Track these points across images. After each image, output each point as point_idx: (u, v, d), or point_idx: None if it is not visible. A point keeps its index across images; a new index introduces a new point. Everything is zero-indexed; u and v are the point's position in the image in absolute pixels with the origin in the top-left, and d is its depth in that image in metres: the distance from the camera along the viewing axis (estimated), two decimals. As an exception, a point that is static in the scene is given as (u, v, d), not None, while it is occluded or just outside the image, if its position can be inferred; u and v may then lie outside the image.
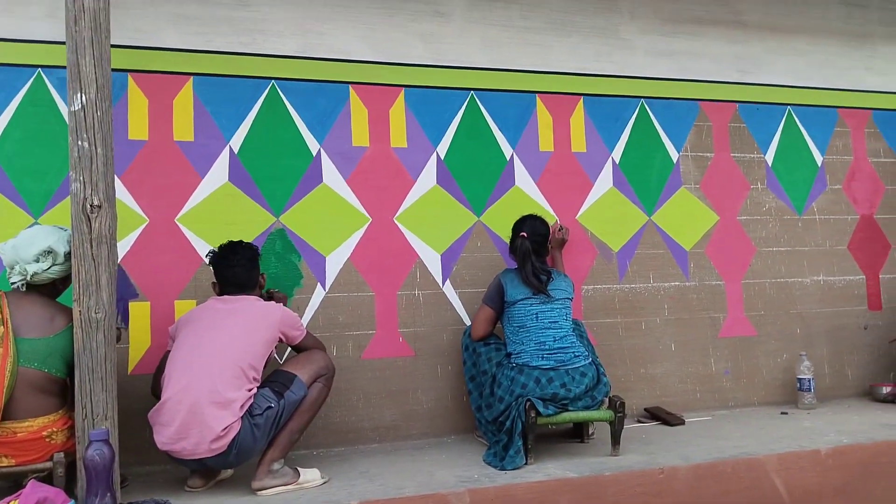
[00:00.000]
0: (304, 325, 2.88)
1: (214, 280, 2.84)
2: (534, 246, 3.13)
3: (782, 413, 3.68)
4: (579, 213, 3.72)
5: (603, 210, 3.76)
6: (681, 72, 3.95)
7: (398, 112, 3.48)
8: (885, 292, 4.17)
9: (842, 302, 4.10)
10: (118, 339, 2.77)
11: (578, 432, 3.24)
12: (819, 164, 4.14)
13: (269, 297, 3.04)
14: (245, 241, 2.91)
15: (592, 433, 3.24)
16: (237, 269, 2.79)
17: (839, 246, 4.13)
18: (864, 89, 4.28)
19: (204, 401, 2.48)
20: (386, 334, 3.36)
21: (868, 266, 4.18)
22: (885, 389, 3.88)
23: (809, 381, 3.78)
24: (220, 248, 2.85)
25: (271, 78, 3.35)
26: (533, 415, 2.81)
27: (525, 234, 3.14)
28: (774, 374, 3.94)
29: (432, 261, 3.46)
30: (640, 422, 3.57)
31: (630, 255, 3.78)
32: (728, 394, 3.85)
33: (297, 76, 3.37)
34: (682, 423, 3.51)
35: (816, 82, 4.18)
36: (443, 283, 3.47)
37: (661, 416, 3.55)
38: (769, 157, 4.06)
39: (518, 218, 3.25)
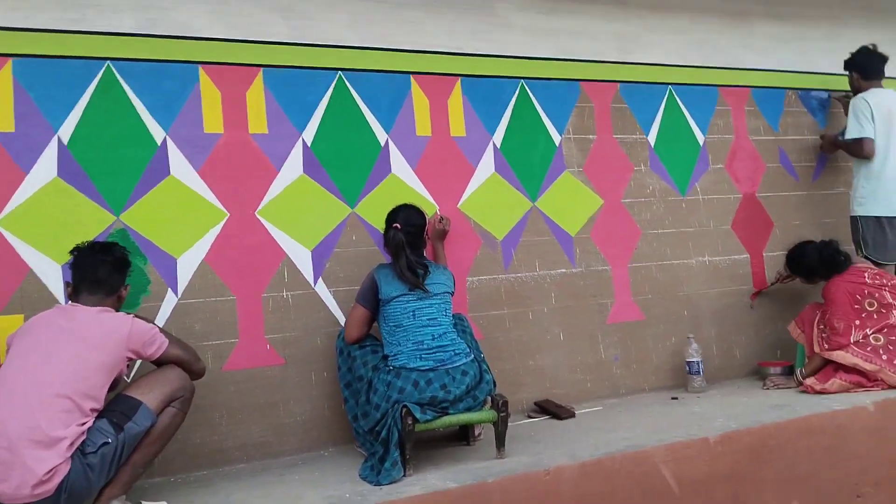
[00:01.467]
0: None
1: (69, 280, 2.49)
2: (408, 238, 2.89)
3: (673, 398, 3.61)
4: (461, 200, 3.51)
5: (485, 197, 3.56)
6: (561, 51, 3.80)
7: (256, 95, 3.16)
8: (769, 270, 4.18)
9: (727, 282, 4.08)
10: None
11: (465, 434, 3.03)
12: (701, 144, 4.10)
13: None
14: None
15: (479, 434, 3.05)
16: (104, 266, 2.45)
17: (723, 225, 4.11)
18: (742, 67, 4.26)
19: (23, 439, 2.12)
20: (250, 342, 3.04)
21: (752, 245, 4.18)
22: (773, 370, 3.88)
23: (698, 363, 3.72)
24: (90, 243, 2.52)
25: (106, 58, 2.95)
26: (410, 422, 2.58)
27: (398, 226, 2.90)
28: (664, 358, 3.87)
29: (302, 258, 3.16)
30: (529, 417, 3.41)
31: (515, 243, 3.60)
32: (619, 381, 3.75)
33: (137, 56, 2.99)
34: (573, 415, 3.37)
35: (696, 61, 4.13)
36: (314, 282, 3.18)
37: (551, 410, 3.40)
38: (651, 137, 3.98)
39: (392, 208, 3.01)
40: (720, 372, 3.99)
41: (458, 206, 3.50)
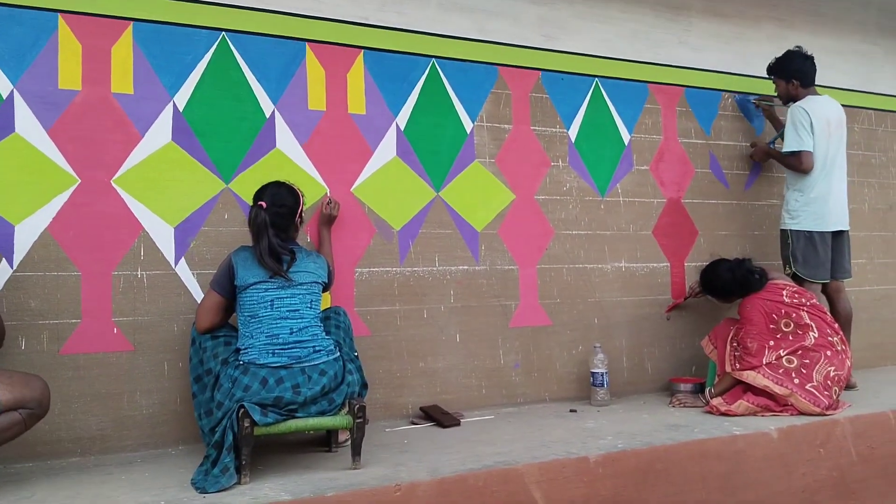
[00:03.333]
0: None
1: None
2: (274, 218, 2.60)
3: (571, 411, 3.38)
4: (355, 184, 3.23)
5: (384, 182, 3.28)
6: (479, 31, 3.53)
7: (123, 50, 2.84)
8: (690, 281, 3.96)
9: (644, 290, 3.85)
10: None
11: (329, 439, 2.76)
12: (626, 143, 3.86)
13: None
14: None
15: (346, 440, 2.76)
16: None
17: (643, 231, 3.87)
18: (677, 65, 4.03)
19: None
20: (95, 324, 2.73)
21: (673, 253, 3.95)
22: (683, 387, 3.67)
23: (602, 375, 3.49)
24: None
25: (-53, -3, 2.63)
26: (247, 424, 2.30)
27: (263, 204, 2.60)
28: (569, 367, 3.63)
29: (162, 234, 2.86)
30: (413, 423, 3.15)
31: (413, 235, 3.33)
32: (517, 389, 3.50)
33: (-17, -3, 2.67)
34: (458, 423, 3.11)
35: (627, 54, 3.89)
36: (175, 263, 2.88)
37: (435, 417, 3.14)
38: (573, 132, 3.72)
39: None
40: (629, 386, 3.76)
41: (352, 189, 3.22)
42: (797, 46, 3.85)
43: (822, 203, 3.74)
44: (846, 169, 3.87)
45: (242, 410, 2.30)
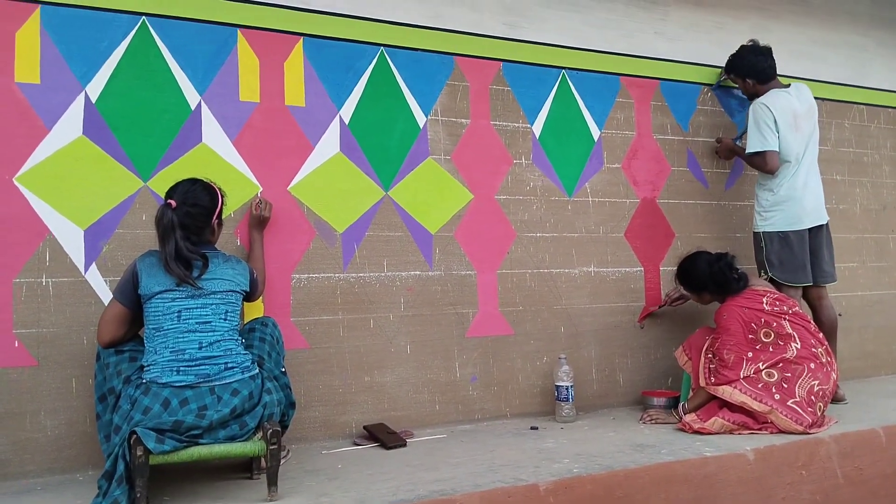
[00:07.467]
0: None
1: None
2: (184, 219, 2.33)
3: (532, 428, 3.10)
4: (293, 182, 2.97)
5: (325, 181, 3.02)
6: (433, 18, 3.26)
7: (29, 36, 2.58)
8: (665, 286, 3.68)
9: (615, 297, 3.57)
10: None
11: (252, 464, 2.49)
12: (595, 139, 3.58)
13: None
14: None
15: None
16: None
17: (615, 233, 3.60)
18: (652, 56, 3.76)
19: None
20: (-8, 336, 2.48)
21: (647, 257, 3.68)
22: (655, 401, 3.39)
23: (568, 388, 3.22)
24: None
25: None
26: (140, 452, 2.03)
27: (172, 203, 2.34)
28: (532, 380, 3.35)
29: (71, 237, 2.59)
30: (356, 444, 2.88)
31: (359, 238, 3.07)
32: (475, 405, 3.23)
33: None
34: (404, 444, 2.84)
35: (597, 44, 3.61)
36: (85, 269, 2.61)
37: (379, 437, 2.87)
38: (537, 127, 3.45)
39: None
40: (599, 399, 3.48)
41: (289, 188, 2.96)
42: (751, 40, 3.60)
43: (795, 201, 3.48)
44: (817, 159, 3.61)
45: (135, 437, 2.03)
